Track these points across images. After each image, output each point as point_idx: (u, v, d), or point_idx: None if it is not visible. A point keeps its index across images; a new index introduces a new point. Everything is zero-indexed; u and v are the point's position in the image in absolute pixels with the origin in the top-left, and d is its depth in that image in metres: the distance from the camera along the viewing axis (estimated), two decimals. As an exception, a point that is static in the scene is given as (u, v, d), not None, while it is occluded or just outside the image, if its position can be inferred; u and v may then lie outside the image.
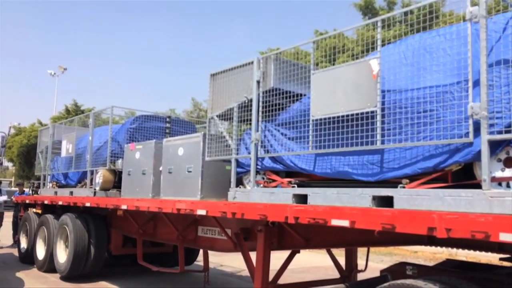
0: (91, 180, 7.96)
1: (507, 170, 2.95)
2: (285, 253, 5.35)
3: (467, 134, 3.01)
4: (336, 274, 6.28)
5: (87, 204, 7.52)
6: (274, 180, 4.69)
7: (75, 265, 7.85)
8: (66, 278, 8.07)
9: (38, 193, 10.96)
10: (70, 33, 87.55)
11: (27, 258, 9.77)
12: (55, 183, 10.18)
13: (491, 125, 2.89)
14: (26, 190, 14.27)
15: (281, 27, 75.67)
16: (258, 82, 4.75)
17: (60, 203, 8.58)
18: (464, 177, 3.24)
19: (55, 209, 9.30)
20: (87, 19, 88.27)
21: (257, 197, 4.52)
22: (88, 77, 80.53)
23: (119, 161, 7.58)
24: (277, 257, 5.05)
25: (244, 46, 74.57)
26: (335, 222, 3.42)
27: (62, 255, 8.35)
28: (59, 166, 9.70)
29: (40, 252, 9.20)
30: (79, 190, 8.54)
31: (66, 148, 9.03)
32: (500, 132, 2.87)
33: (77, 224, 7.97)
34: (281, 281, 5.14)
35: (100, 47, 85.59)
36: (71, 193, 8.67)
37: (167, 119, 8.25)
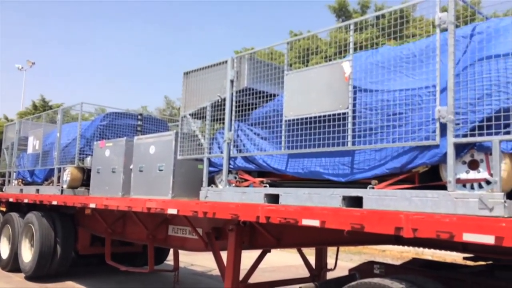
0: (59, 177, 7.76)
1: (471, 172, 3.05)
2: (256, 253, 5.37)
3: (434, 137, 3.09)
4: (306, 273, 6.34)
5: (54, 202, 7.34)
6: (246, 180, 4.69)
7: (40, 264, 7.66)
8: (31, 277, 7.86)
9: (3, 190, 10.60)
10: (39, 26, 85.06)
11: (-10, 258, 9.46)
12: (20, 180, 9.88)
13: (457, 129, 2.98)
14: (-10, 187, 13.78)
15: (257, 27, 75.75)
16: (232, 81, 4.74)
17: (26, 201, 8.35)
18: (431, 178, 3.33)
19: (20, 207, 9.05)
20: (57, 12, 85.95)
21: (229, 197, 4.52)
22: (57, 72, 78.45)
23: (88, 158, 7.43)
24: (248, 257, 5.06)
25: (220, 44, 74.23)
26: (306, 222, 3.46)
27: (27, 254, 8.12)
28: (25, 163, 9.43)
29: (4, 251, 8.94)
30: (46, 188, 8.31)
31: (33, 145, 8.79)
32: (465, 136, 2.96)
33: (43, 223, 7.77)
34: (252, 280, 5.15)
35: (70, 42, 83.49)
36: (38, 190, 8.43)
37: (139, 117, 8.13)
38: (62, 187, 7.56)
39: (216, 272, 6.00)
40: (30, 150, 8.94)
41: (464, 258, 5.06)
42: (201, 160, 5.06)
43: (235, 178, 4.81)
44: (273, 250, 5.54)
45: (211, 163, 4.97)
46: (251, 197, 4.29)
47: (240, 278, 4.82)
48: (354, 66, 3.65)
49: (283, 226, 4.24)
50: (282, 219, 3.65)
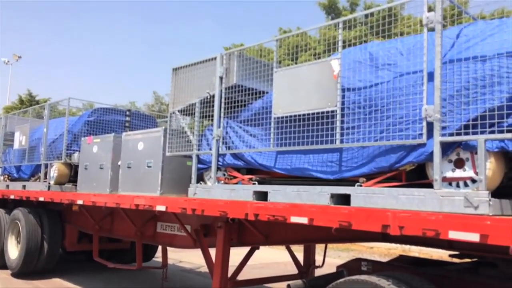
0: (46, 173, 7.68)
1: (457, 170, 3.09)
2: (245, 250, 5.38)
3: (420, 136, 3.12)
4: (294, 270, 6.37)
5: (41, 199, 7.27)
6: (235, 177, 4.69)
7: (27, 261, 7.59)
8: (17, 274, 7.79)
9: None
10: (25, 19, 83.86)
11: (-24, 254, 9.34)
12: (6, 176, 9.75)
13: (443, 128, 3.01)
14: (-25, 183, 13.58)
15: (247, 22, 75.61)
16: (221, 78, 4.73)
17: (12, 197, 8.26)
18: (417, 176, 3.36)
19: (6, 203, 8.95)
20: (44, 5, 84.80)
21: (218, 194, 4.51)
22: (44, 67, 77.48)
23: (76, 154, 7.35)
24: (237, 253, 5.07)
25: (208, 40, 73.95)
26: (294, 219, 3.48)
27: (13, 251, 8.05)
28: (11, 159, 9.31)
29: (-10, 248, 8.81)
30: (33, 184, 8.21)
31: (19, 140, 8.67)
32: (451, 134, 2.99)
33: (29, 219, 7.69)
34: (240, 277, 5.17)
35: (58, 36, 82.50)
36: (24, 186, 8.33)
37: (127, 113, 8.07)
38: (49, 183, 7.47)
39: (205, 269, 6.01)
40: (16, 145, 8.83)
41: (450, 256, 5.12)
42: (190, 157, 5.04)
43: (224, 175, 4.81)
44: (261, 247, 5.56)
45: (200, 160, 4.96)
46: (239, 194, 4.29)
47: (229, 275, 4.83)
48: (343, 64, 3.67)
49: (271, 223, 4.26)
50: (271, 217, 3.66)
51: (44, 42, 79.29)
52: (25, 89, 44.71)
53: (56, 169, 7.39)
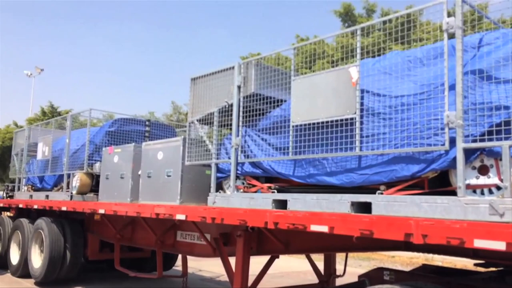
0: (68, 183, 7.81)
1: (481, 177, 3.02)
2: (265, 258, 5.35)
3: (443, 142, 3.07)
4: (314, 279, 6.31)
5: (63, 208, 7.38)
6: (254, 185, 4.69)
7: (50, 270, 7.68)
8: (41, 283, 7.89)
9: (13, 196, 10.69)
10: (47, 33, 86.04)
11: (1, 263, 9.50)
12: (30, 186, 9.95)
13: (466, 134, 2.96)
14: (0, 193, 13.90)
15: (262, 31, 75.99)
16: (239, 87, 4.75)
17: (36, 207, 8.39)
18: (440, 184, 3.31)
19: (30, 213, 9.10)
20: (66, 19, 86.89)
21: (237, 202, 4.52)
22: (65, 79, 79.22)
23: (97, 164, 7.47)
24: (257, 262, 5.05)
25: (225, 49, 74.52)
26: (314, 227, 3.45)
27: (37, 260, 8.16)
28: (34, 169, 9.50)
29: (14, 257, 8.97)
30: (55, 193, 8.37)
31: (42, 151, 8.86)
32: (475, 141, 2.94)
33: (52, 229, 7.81)
34: (260, 286, 5.13)
35: (78, 49, 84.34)
36: (47, 196, 8.48)
37: (147, 123, 8.17)
38: (71, 193, 7.60)
39: (225, 278, 6.00)
40: (39, 156, 9.01)
41: (475, 265, 5.01)
42: (209, 166, 5.07)
43: (243, 183, 4.81)
44: (281, 256, 5.53)
45: (218, 169, 4.98)
46: (259, 202, 4.29)
47: (249, 284, 4.81)
48: (361, 72, 3.65)
49: (291, 232, 4.23)
50: (290, 225, 3.64)
51: (64, 55, 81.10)
52: (47, 101, 45.66)
53: (78, 179, 7.51)
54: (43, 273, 7.72)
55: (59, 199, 7.90)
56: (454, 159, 2.99)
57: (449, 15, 3.13)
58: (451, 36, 3.10)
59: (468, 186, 2.99)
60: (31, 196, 9.29)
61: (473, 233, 2.60)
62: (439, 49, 3.22)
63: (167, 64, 78.62)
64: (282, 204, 4.08)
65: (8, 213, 9.99)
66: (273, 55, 5.14)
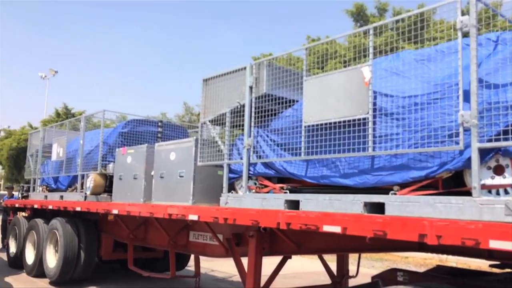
0: (82, 184, 7.90)
1: (496, 177, 2.99)
2: (277, 259, 5.35)
3: (457, 142, 3.04)
4: (327, 280, 6.29)
5: (78, 209, 7.47)
6: (266, 186, 4.69)
7: (64, 270, 7.77)
8: (55, 283, 7.99)
9: (28, 197, 10.84)
10: (61, 35, 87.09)
11: (16, 263, 9.66)
12: (45, 187, 10.08)
13: (481, 133, 2.92)
14: (16, 193, 14.11)
15: (274, 31, 75.97)
16: (251, 87, 4.76)
17: (50, 207, 8.50)
18: (455, 184, 3.27)
19: (45, 214, 9.21)
20: (79, 23, 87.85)
21: (249, 203, 4.52)
22: (79, 81, 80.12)
23: (110, 165, 7.54)
24: (269, 263, 5.05)
25: (237, 50, 74.70)
26: (327, 228, 3.43)
27: (51, 260, 8.26)
28: (49, 170, 9.62)
29: (30, 256, 9.10)
30: (70, 194, 8.46)
31: (57, 152, 8.97)
32: (490, 140, 2.90)
33: (67, 229, 7.90)
34: (273, 286, 5.13)
35: (91, 51, 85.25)
36: (61, 197, 8.59)
37: (159, 124, 8.23)
38: (85, 193, 7.69)
39: (237, 278, 6.00)
40: (54, 157, 9.12)
41: (490, 266, 4.95)
42: (221, 166, 5.08)
43: (255, 184, 4.82)
44: (294, 256, 5.52)
45: (231, 169, 4.99)
46: (271, 203, 4.29)
47: (261, 284, 4.81)
48: (374, 72, 3.63)
49: (303, 232, 4.22)
50: (303, 225, 3.63)
51: (79, 57, 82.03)
52: (61, 102, 46.23)
53: (92, 180, 7.59)
54: (58, 272, 7.81)
55: (73, 199, 7.99)
56: (469, 159, 2.95)
57: (462, 13, 3.10)
58: (465, 34, 3.06)
59: (483, 186, 2.95)
60: (46, 196, 9.41)
61: (489, 234, 2.57)
62: (453, 48, 3.18)
63: (179, 65, 79.04)
64: (294, 205, 4.07)
65: (24, 214, 10.13)
66: (285, 55, 5.14)
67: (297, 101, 4.51)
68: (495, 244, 2.53)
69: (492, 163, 3.02)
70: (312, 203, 3.88)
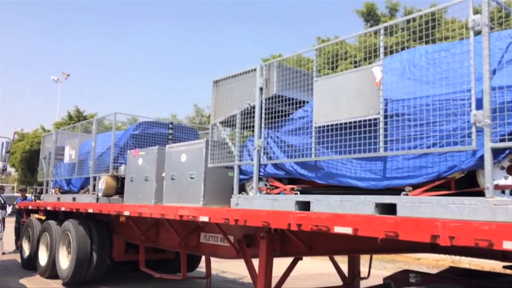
0: (94, 186, 7.97)
1: (510, 177, 2.95)
2: (288, 260, 5.34)
3: (470, 142, 3.01)
4: (338, 281, 6.26)
5: (90, 210, 7.53)
6: (276, 187, 4.69)
7: (77, 271, 7.84)
8: (68, 284, 8.06)
9: (41, 199, 10.96)
10: (73, 39, 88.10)
11: (30, 264, 9.77)
12: (57, 189, 10.19)
13: (494, 133, 2.89)
14: (29, 196, 14.28)
15: (283, 33, 75.96)
16: (261, 89, 4.76)
17: (63, 209, 8.59)
18: (467, 184, 3.24)
19: (57, 215, 9.31)
20: (90, 26, 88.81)
21: (260, 204, 4.52)
22: (90, 84, 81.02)
23: (122, 167, 7.59)
24: (280, 264, 5.04)
25: (246, 52, 74.85)
26: (338, 229, 3.42)
27: (64, 261, 8.34)
28: (62, 172, 9.72)
29: (43, 258, 9.20)
30: (82, 196, 8.54)
31: (69, 154, 9.06)
32: (503, 140, 2.87)
33: (79, 230, 7.97)
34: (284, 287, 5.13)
35: (103, 54, 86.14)
36: (74, 199, 8.68)
37: (170, 125, 8.27)
38: (97, 195, 7.75)
39: (248, 279, 6.01)
40: (66, 159, 9.21)
41: (504, 267, 4.88)
42: (232, 168, 5.09)
43: (266, 185, 4.81)
44: (304, 258, 5.50)
45: (241, 171, 5.00)
46: (282, 204, 4.28)
47: (272, 286, 4.81)
48: (385, 72, 3.61)
49: (314, 234, 4.21)
50: (314, 227, 3.62)
51: (91, 60, 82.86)
52: (73, 105, 46.72)
53: (104, 182, 7.65)
54: (71, 274, 7.88)
55: (86, 201, 8.07)
56: (482, 159, 2.92)
57: (475, 12, 3.07)
58: (477, 33, 3.03)
59: (496, 187, 2.91)
60: (58, 198, 9.51)
61: (502, 234, 2.54)
62: (465, 47, 3.15)
63: (190, 67, 79.38)
64: (305, 206, 4.06)
65: (37, 216, 10.25)
66: (295, 56, 5.13)
67: (307, 102, 4.50)
68: (509, 245, 2.50)
69: (506, 163, 2.98)
70: (323, 204, 3.87)
